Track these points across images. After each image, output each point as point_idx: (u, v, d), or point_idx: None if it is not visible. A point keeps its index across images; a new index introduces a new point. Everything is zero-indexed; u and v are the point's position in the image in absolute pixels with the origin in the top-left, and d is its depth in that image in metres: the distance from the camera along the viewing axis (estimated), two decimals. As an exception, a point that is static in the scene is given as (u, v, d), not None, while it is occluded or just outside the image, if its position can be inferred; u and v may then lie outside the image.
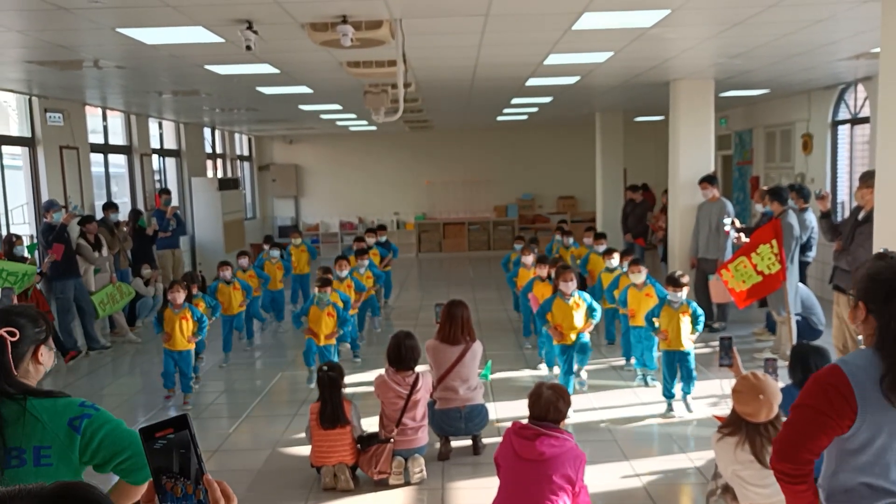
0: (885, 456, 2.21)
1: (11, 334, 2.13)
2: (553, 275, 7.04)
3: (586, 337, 6.48)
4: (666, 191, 11.20)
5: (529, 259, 8.54)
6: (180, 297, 6.68)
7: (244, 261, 9.19)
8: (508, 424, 3.87)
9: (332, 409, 4.97)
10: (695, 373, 6.21)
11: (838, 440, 2.24)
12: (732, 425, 3.38)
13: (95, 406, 2.16)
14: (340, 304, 7.27)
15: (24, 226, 9.28)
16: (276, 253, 9.84)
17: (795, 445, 2.25)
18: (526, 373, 7.48)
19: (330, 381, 5.01)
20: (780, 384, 3.74)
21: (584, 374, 6.71)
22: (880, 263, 2.29)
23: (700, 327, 6.21)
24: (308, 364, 7.18)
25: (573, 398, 6.26)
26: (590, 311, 6.40)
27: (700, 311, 6.23)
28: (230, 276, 8.29)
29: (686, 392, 6.20)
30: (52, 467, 2.04)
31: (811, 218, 8.09)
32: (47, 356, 2.26)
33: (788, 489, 2.32)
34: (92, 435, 2.10)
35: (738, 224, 7.67)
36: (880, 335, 2.21)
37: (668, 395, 6.19)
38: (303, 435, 5.51)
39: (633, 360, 7.35)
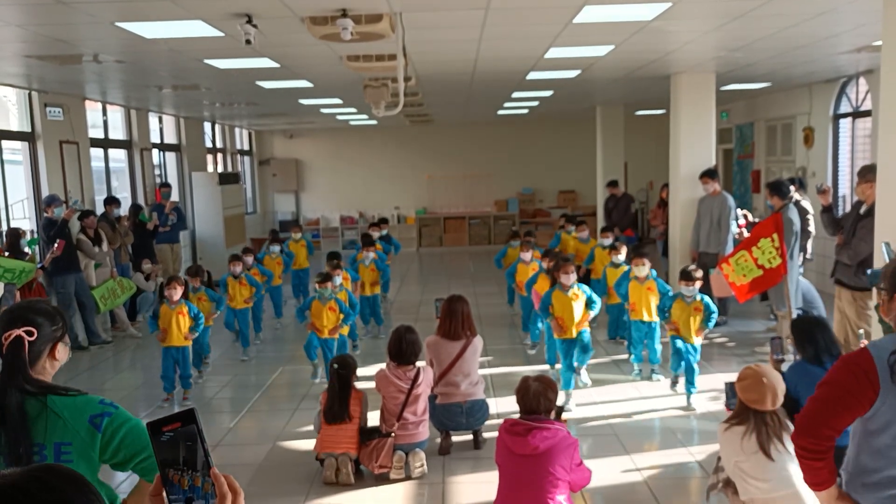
0: None
1: (29, 333, 2.14)
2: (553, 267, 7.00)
3: (588, 335, 6.45)
4: (666, 185, 11.19)
5: (528, 255, 8.47)
6: (177, 293, 6.61)
7: (276, 247, 9.85)
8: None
9: (338, 407, 5.00)
10: (696, 368, 6.20)
11: (861, 421, 2.30)
12: (740, 415, 3.45)
13: (114, 404, 2.15)
14: (346, 301, 7.23)
15: (24, 221, 9.28)
16: (276, 248, 9.86)
17: (818, 420, 2.32)
18: (526, 368, 7.48)
19: (340, 379, 5.03)
20: (790, 360, 3.83)
21: (584, 373, 6.67)
22: None
23: (711, 324, 6.21)
24: (310, 358, 7.15)
25: (574, 393, 6.36)
26: (589, 303, 6.38)
27: (713, 307, 6.21)
28: (240, 271, 8.25)
29: (689, 392, 6.20)
30: (72, 463, 2.04)
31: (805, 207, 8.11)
32: (63, 352, 2.27)
33: (806, 465, 2.39)
34: (113, 434, 2.10)
35: (750, 218, 7.58)
36: None
37: (676, 368, 6.33)
38: (304, 429, 5.51)
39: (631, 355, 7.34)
